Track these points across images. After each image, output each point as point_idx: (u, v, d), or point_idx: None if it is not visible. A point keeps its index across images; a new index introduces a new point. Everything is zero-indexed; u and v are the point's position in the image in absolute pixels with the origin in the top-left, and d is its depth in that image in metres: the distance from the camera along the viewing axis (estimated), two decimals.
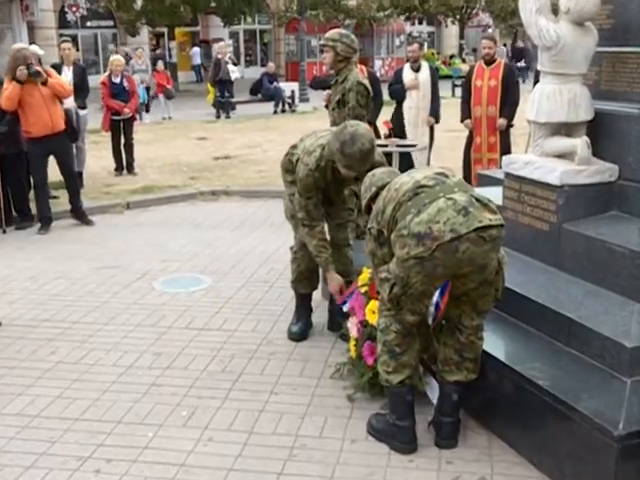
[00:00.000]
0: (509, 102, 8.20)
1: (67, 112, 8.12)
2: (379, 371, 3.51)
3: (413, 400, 3.49)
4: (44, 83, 7.57)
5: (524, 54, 31.40)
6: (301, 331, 4.86)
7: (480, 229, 3.07)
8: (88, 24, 30.89)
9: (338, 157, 4.09)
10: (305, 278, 4.86)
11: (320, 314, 5.07)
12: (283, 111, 20.95)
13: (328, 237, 4.75)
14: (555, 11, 4.41)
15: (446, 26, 41.04)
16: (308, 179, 4.31)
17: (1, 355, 4.66)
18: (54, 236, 7.75)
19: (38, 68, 7.59)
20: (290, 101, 21.46)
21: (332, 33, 5.83)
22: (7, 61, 7.70)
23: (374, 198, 3.55)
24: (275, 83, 21.15)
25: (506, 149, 8.03)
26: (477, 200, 3.14)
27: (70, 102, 8.71)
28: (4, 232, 7.83)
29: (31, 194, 8.27)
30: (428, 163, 9.16)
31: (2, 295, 5.83)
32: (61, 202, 8.67)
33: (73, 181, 8.21)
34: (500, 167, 5.64)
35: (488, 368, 3.53)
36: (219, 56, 20.11)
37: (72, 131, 8.15)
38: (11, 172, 7.85)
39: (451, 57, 37.32)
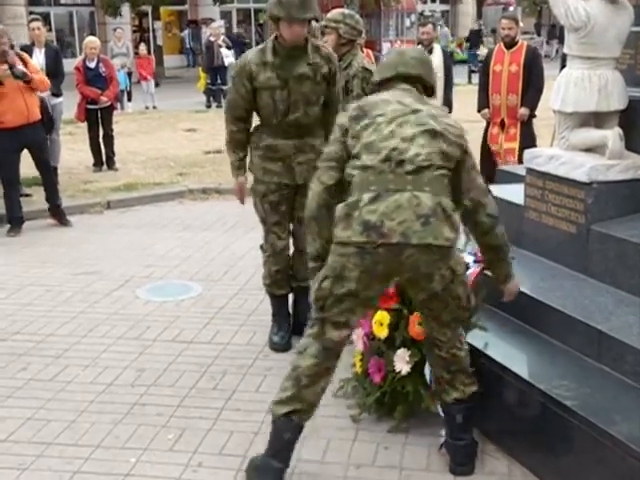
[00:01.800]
0: (532, 89, 8.19)
1: (42, 100, 8.15)
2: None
3: (294, 441, 3.37)
4: (28, 82, 7.63)
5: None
6: (284, 340, 4.90)
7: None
8: (62, 1, 30.92)
9: (273, 8, 4.35)
10: (281, 279, 4.94)
11: None
12: None
13: (292, 239, 4.95)
14: None
15: (461, 3, 41.11)
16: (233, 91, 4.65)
17: None
18: (26, 238, 7.77)
19: (22, 68, 7.63)
20: None
21: (334, 13, 5.85)
22: None
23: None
24: None
25: (528, 142, 8.02)
26: (443, 210, 3.12)
27: None
28: None
29: None
30: None
31: None
32: (33, 201, 8.70)
33: (50, 176, 8.24)
34: (520, 161, 5.65)
35: (508, 386, 3.54)
36: (212, 39, 20.09)
37: (48, 120, 8.18)
38: None
39: (467, 39, 37.34)
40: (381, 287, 3.31)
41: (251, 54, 4.66)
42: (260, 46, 4.68)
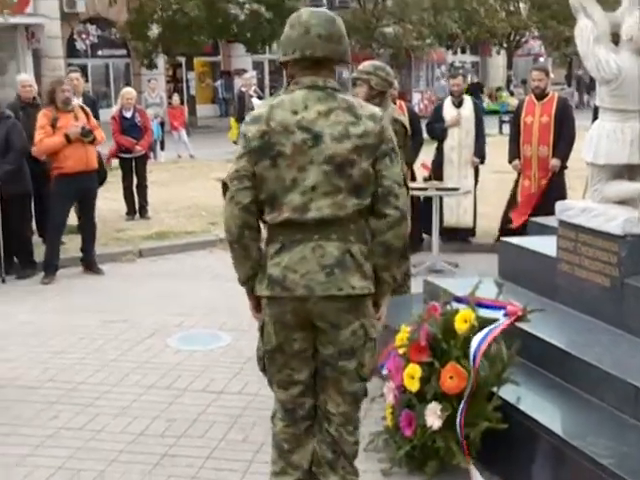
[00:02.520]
0: (563, 141, 8.19)
1: (97, 153, 8.34)
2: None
3: None
4: (92, 142, 7.86)
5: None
6: None
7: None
8: (99, 53, 31.58)
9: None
10: None
11: None
12: None
13: None
14: (616, 40, 4.43)
15: (490, 56, 41.39)
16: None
17: None
18: (58, 286, 7.84)
19: (89, 127, 7.88)
20: None
21: (366, 65, 5.91)
22: (45, 90, 8.10)
23: None
24: None
25: (560, 193, 7.99)
26: (352, 256, 2.99)
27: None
28: (3, 281, 7.93)
29: (34, 239, 8.41)
30: (475, 208, 9.16)
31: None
32: (67, 248, 8.79)
33: (92, 228, 8.36)
34: (549, 213, 5.63)
35: (541, 441, 3.48)
36: (243, 89, 20.34)
37: (102, 173, 8.36)
38: (15, 215, 7.97)
39: (497, 90, 37.52)
40: (303, 338, 3.10)
41: None
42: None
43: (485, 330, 3.69)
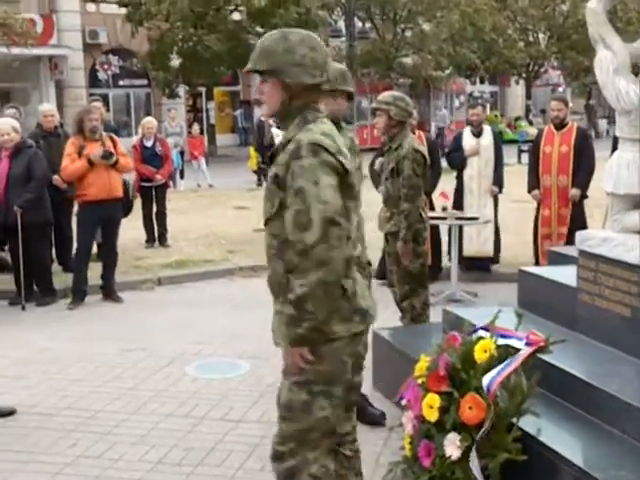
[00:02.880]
0: (583, 170, 8.18)
1: (124, 182, 8.40)
2: None
3: None
4: (114, 165, 7.93)
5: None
6: None
7: None
8: (120, 83, 31.94)
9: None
10: None
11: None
12: None
13: None
14: (636, 72, 4.44)
15: (509, 86, 41.48)
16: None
17: (15, 447, 4.68)
18: (79, 313, 7.88)
19: (111, 150, 7.94)
20: None
21: (385, 95, 5.94)
22: (73, 119, 8.26)
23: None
24: None
25: (580, 223, 7.97)
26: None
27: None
28: (23, 309, 7.98)
29: (53, 267, 8.47)
30: (498, 237, 9.13)
31: (18, 379, 5.91)
32: (88, 276, 8.81)
33: (114, 257, 8.42)
34: (571, 243, 5.62)
35: (562, 473, 3.44)
36: (262, 118, 20.50)
37: (127, 202, 8.43)
38: (35, 243, 8.04)
39: (516, 119, 37.56)
40: None
41: None
42: None
43: (506, 361, 3.66)
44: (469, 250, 9.05)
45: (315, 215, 2.78)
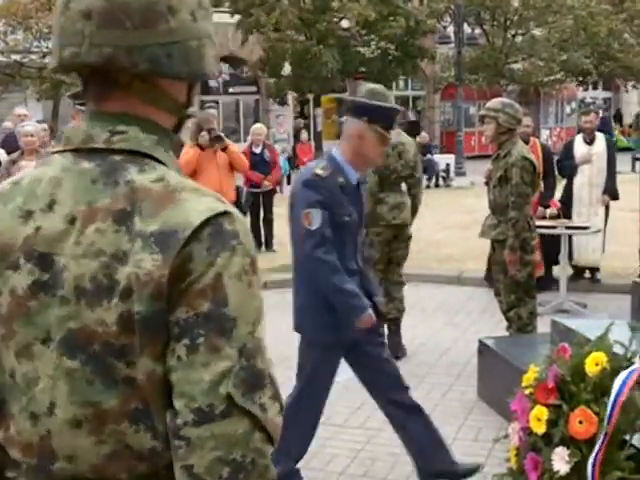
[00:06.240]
0: None
1: (237, 188, 8.58)
2: None
3: None
4: (224, 149, 8.08)
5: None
6: None
7: None
8: (230, 90, 32.58)
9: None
10: None
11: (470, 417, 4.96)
12: (437, 185, 21.09)
13: None
14: None
15: (626, 91, 40.24)
16: None
17: None
18: None
19: (220, 133, 8.12)
20: (445, 175, 21.60)
21: (494, 102, 5.88)
22: (191, 126, 8.42)
23: None
24: (429, 155, 21.40)
25: None
26: None
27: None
28: None
29: None
30: (603, 248, 8.89)
31: None
32: None
33: None
34: None
35: None
36: None
37: (239, 209, 8.59)
38: None
39: (630, 127, 36.38)
40: None
41: None
42: None
43: (622, 376, 3.55)
44: (579, 261, 8.83)
45: None
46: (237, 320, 1.28)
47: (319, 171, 3.92)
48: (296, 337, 4.07)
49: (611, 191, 8.81)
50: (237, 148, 8.53)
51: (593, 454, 3.48)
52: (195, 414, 1.21)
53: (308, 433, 4.03)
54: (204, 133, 8.02)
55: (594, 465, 3.48)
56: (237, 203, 8.52)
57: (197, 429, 1.21)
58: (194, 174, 8.12)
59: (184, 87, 1.44)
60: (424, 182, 20.83)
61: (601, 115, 33.95)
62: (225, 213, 1.36)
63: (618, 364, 3.63)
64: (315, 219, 3.80)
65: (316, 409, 4.06)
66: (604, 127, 30.36)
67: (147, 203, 1.27)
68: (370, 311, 3.85)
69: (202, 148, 8.03)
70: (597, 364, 3.64)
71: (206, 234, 1.27)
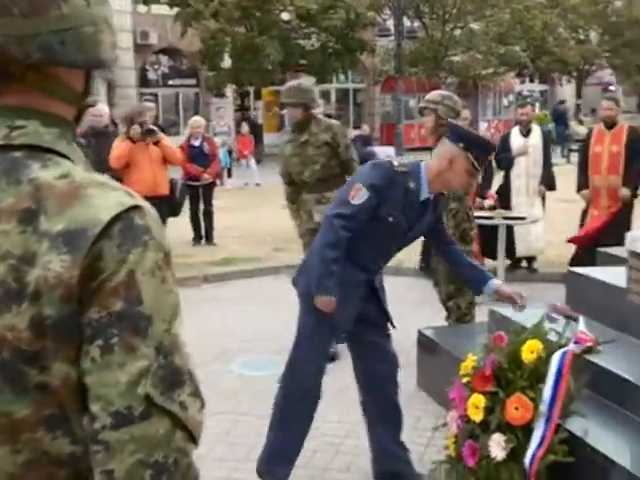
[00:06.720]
0: (633, 170, 8.06)
1: (172, 181, 8.48)
2: None
3: None
4: (156, 143, 7.98)
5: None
6: None
7: None
8: (170, 82, 32.25)
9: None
10: None
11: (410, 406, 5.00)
12: None
13: None
14: None
15: (561, 85, 40.99)
16: None
17: None
18: None
19: (152, 127, 8.01)
20: None
21: (433, 94, 5.93)
22: (123, 119, 8.28)
23: None
24: (369, 147, 21.49)
25: (626, 224, 7.84)
26: None
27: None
28: None
29: None
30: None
31: None
32: None
33: None
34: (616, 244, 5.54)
35: (610, 476, 3.39)
36: None
37: (173, 203, 8.47)
38: None
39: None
40: None
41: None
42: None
43: (555, 360, 3.61)
44: (521, 251, 8.96)
45: None
46: (152, 318, 1.24)
47: (395, 163, 3.86)
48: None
49: (547, 181, 8.96)
50: (170, 141, 8.45)
51: (537, 440, 3.54)
52: (113, 417, 1.17)
53: (305, 426, 4.06)
54: (136, 126, 7.93)
55: (538, 449, 3.53)
56: (171, 196, 8.40)
57: (116, 432, 1.17)
58: (126, 168, 8.03)
59: (81, 75, 1.36)
60: None
61: (555, 107, 34.29)
62: (135, 207, 1.25)
63: (553, 351, 3.70)
64: (361, 197, 3.72)
65: (307, 385, 4.10)
66: (561, 118, 30.81)
67: (52, 201, 1.21)
68: (333, 299, 3.83)
69: (134, 141, 7.94)
70: (532, 351, 3.70)
71: (117, 230, 1.20)
